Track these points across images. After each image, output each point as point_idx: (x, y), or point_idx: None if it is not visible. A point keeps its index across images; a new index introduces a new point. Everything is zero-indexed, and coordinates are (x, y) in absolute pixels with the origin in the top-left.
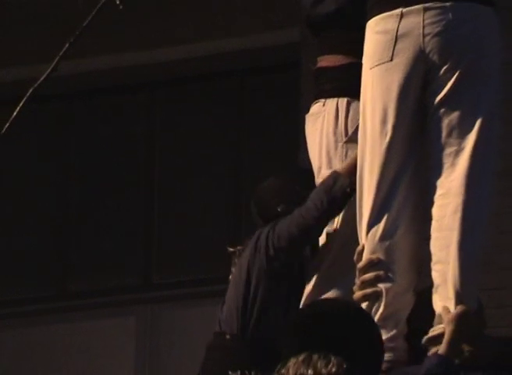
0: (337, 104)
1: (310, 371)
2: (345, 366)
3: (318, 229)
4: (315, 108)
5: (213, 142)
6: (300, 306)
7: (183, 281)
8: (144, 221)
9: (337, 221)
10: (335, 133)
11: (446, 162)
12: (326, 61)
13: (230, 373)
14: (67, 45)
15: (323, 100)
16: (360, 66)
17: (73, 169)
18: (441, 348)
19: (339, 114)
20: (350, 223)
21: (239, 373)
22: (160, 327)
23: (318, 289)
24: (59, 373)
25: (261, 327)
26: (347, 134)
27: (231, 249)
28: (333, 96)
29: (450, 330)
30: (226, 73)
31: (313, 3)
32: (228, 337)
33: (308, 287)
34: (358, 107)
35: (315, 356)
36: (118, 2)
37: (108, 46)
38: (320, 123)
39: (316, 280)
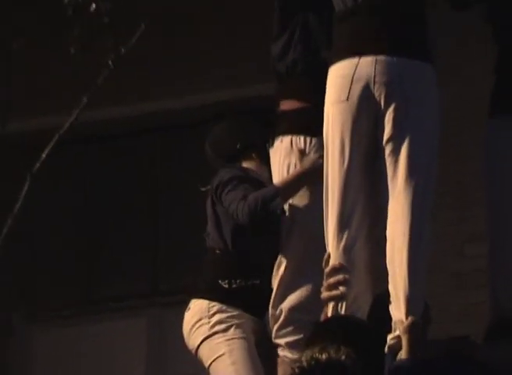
0: (291, 140)
1: (323, 355)
2: (353, 356)
3: (249, 227)
4: (276, 144)
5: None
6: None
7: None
8: (152, 240)
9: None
10: (288, 165)
11: (394, 190)
12: (286, 105)
13: (220, 281)
14: (85, 101)
15: (281, 137)
16: (314, 109)
17: (94, 201)
18: (402, 353)
19: (294, 148)
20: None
21: (226, 281)
22: (168, 328)
23: (292, 277)
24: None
25: (237, 244)
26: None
27: (202, 189)
28: (289, 134)
29: (406, 338)
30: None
31: (278, 57)
32: (217, 251)
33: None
34: (312, 143)
35: (329, 346)
36: (110, 63)
37: (115, 98)
38: (278, 156)
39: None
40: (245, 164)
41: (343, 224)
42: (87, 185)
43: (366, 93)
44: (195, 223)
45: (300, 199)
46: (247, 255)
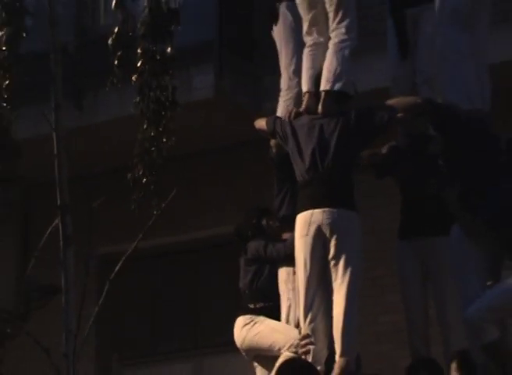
0: None
1: None
2: None
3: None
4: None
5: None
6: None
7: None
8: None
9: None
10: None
11: (336, 284)
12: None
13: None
14: (140, 236)
15: None
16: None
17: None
18: None
19: None
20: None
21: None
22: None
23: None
24: None
25: None
26: None
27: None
28: None
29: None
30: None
31: (277, 209)
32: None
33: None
34: None
35: None
36: (133, 207)
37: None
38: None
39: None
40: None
41: (307, 309)
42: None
43: (318, 231)
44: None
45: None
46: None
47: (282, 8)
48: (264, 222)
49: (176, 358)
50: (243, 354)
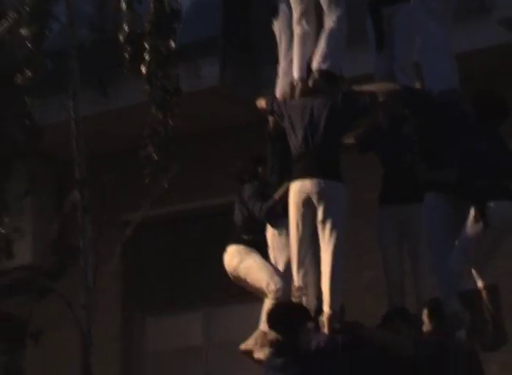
0: None
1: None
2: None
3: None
4: None
5: None
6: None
7: None
8: None
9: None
10: None
11: (323, 242)
12: None
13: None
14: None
15: None
16: None
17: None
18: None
19: None
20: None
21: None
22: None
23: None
24: None
25: None
26: None
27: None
28: None
29: (326, 323)
30: None
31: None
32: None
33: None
34: None
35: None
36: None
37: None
38: None
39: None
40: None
41: (299, 265)
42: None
43: (308, 198)
44: None
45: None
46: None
47: (282, 4)
48: (260, 169)
49: (189, 308)
50: (232, 278)
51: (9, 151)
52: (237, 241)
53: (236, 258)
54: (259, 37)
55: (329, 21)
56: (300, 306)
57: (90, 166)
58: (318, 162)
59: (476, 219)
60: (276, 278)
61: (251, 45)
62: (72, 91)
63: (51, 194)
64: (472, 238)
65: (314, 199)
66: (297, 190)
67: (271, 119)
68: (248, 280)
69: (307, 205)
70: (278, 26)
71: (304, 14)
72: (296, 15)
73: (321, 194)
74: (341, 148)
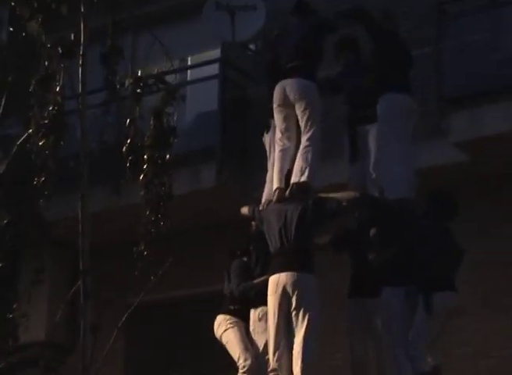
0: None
1: None
2: None
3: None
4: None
5: None
6: None
7: None
8: None
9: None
10: None
11: (297, 330)
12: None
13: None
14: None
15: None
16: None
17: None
18: None
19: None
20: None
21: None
22: None
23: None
24: None
25: None
26: None
27: None
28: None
29: None
30: None
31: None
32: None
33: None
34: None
35: None
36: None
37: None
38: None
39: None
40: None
41: (275, 348)
42: None
43: (284, 289)
44: None
45: None
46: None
47: (272, 121)
48: (251, 247)
49: None
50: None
51: (22, 245)
52: (224, 310)
53: (221, 328)
54: (252, 147)
55: (305, 139)
56: None
57: (98, 254)
58: (291, 258)
59: (423, 308)
60: (247, 355)
61: (245, 153)
62: (81, 193)
63: (65, 276)
64: (422, 325)
65: (289, 290)
66: (274, 282)
67: (253, 223)
68: (228, 349)
69: (283, 295)
70: (268, 140)
71: (285, 132)
72: (278, 132)
73: (295, 286)
74: (315, 247)
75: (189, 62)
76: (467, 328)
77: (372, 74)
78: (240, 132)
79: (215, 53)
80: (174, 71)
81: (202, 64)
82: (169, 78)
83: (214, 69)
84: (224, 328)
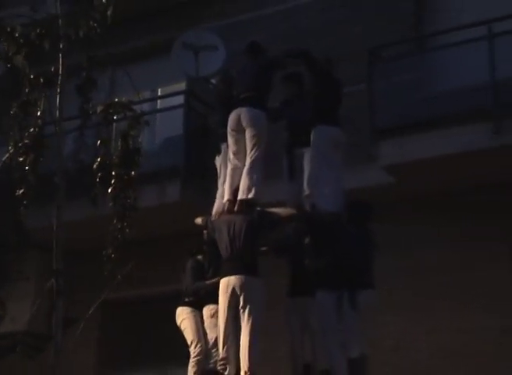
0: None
1: None
2: None
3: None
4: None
5: None
6: None
7: None
8: None
9: None
10: None
11: (244, 325)
12: None
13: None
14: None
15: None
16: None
17: None
18: None
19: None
20: None
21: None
22: None
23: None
24: None
25: None
26: None
27: None
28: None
29: None
30: None
31: None
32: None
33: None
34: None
35: None
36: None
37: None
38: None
39: None
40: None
41: (225, 340)
42: None
43: (233, 290)
44: None
45: None
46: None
47: (223, 145)
48: (205, 248)
49: (149, 367)
50: None
51: (5, 249)
52: (182, 303)
53: (180, 317)
54: (211, 168)
55: (250, 160)
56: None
57: (79, 257)
58: (239, 263)
59: (349, 305)
60: (199, 343)
61: (205, 173)
62: (57, 204)
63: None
64: (349, 319)
65: (237, 290)
66: (225, 284)
67: (205, 232)
68: (185, 335)
69: (232, 295)
70: (219, 162)
71: (236, 153)
72: (230, 153)
73: (242, 287)
74: (260, 252)
75: (159, 93)
76: (391, 323)
77: (309, 107)
78: (201, 154)
79: (182, 86)
80: (140, 101)
81: (170, 95)
82: (143, 106)
83: (180, 99)
84: (182, 318)
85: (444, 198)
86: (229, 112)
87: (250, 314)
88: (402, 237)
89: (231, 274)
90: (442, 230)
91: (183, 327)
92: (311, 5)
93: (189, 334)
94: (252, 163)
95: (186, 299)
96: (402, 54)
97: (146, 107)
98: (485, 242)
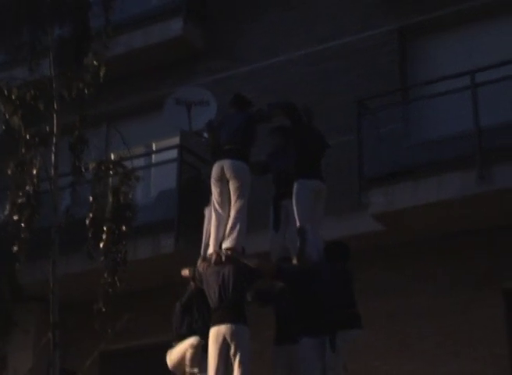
0: None
1: None
2: None
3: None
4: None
5: None
6: None
7: None
8: None
9: None
10: None
11: (235, 369)
12: None
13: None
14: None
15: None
16: None
17: None
18: None
19: None
20: None
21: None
22: None
23: None
24: None
25: None
26: None
27: None
28: None
29: None
30: None
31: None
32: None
33: None
34: None
35: None
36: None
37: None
38: None
39: None
40: None
41: None
42: None
43: (223, 338)
44: None
45: None
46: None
47: (211, 196)
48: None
49: None
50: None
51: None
52: (175, 338)
53: (169, 358)
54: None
55: (235, 210)
56: None
57: (78, 308)
58: (229, 312)
59: (329, 346)
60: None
61: (199, 224)
62: (52, 259)
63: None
64: (330, 360)
65: (228, 338)
66: (215, 333)
67: (192, 283)
68: (174, 360)
69: (222, 343)
70: (207, 212)
71: (220, 203)
72: (215, 204)
73: (233, 335)
74: (247, 301)
75: (153, 148)
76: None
77: (291, 161)
78: (195, 206)
79: (175, 140)
80: (134, 156)
81: (163, 149)
82: (138, 161)
83: (173, 153)
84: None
85: (433, 244)
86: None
87: (240, 361)
88: (390, 283)
89: (221, 323)
90: (430, 274)
91: (171, 358)
92: (300, 58)
93: (177, 349)
94: (237, 213)
95: (173, 343)
96: (389, 104)
97: (141, 162)
98: (473, 286)
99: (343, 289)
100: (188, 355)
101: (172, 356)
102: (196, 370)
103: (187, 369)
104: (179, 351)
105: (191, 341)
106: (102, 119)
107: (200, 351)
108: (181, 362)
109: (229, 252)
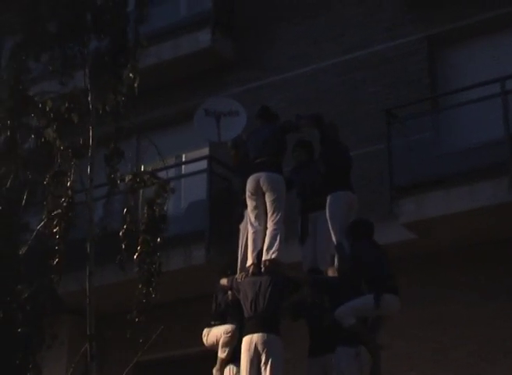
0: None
1: None
2: None
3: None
4: None
5: None
6: None
7: None
8: None
9: None
10: None
11: None
12: None
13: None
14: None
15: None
16: None
17: None
18: None
19: None
20: None
21: None
22: None
23: None
24: None
25: None
26: None
27: None
28: None
29: None
30: None
31: None
32: None
33: None
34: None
35: None
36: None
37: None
38: None
39: None
40: None
41: None
42: None
43: (256, 347)
44: None
45: None
46: None
47: (245, 211)
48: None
49: None
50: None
51: (40, 314)
52: (208, 325)
53: (205, 337)
54: (236, 230)
55: (272, 222)
56: None
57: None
58: (262, 322)
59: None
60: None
61: (230, 235)
62: (89, 270)
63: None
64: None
65: (259, 348)
66: (247, 342)
67: (229, 293)
68: (209, 341)
69: (254, 352)
70: (242, 227)
71: (256, 217)
72: (252, 217)
73: (264, 345)
74: (282, 314)
75: (183, 159)
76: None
77: (318, 172)
78: (225, 217)
79: (205, 151)
80: (166, 168)
81: (193, 161)
82: (165, 173)
83: (203, 164)
84: (206, 333)
85: (464, 252)
86: (247, 178)
87: (271, 370)
88: (422, 291)
89: (254, 332)
90: (463, 283)
91: (207, 340)
92: (329, 68)
93: (212, 333)
94: (275, 225)
95: (213, 322)
96: (418, 113)
97: (171, 173)
98: (506, 294)
99: (380, 257)
100: (220, 341)
101: (208, 338)
102: (224, 355)
103: (218, 354)
104: (214, 334)
105: (226, 327)
106: (133, 130)
107: (233, 339)
108: (215, 344)
109: (267, 263)
